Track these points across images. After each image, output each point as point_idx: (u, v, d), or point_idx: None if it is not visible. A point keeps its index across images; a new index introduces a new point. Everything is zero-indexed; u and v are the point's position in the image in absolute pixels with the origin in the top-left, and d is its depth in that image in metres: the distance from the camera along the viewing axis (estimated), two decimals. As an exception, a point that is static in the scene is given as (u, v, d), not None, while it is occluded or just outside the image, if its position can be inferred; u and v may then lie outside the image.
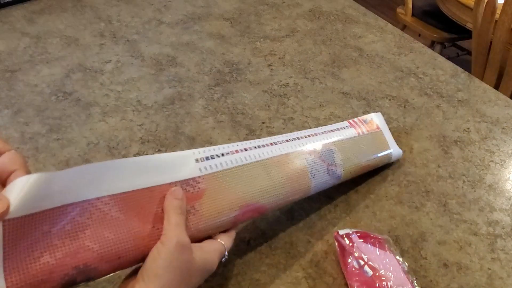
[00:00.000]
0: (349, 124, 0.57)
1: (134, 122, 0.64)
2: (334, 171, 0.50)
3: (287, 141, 0.49)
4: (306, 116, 0.67)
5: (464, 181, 0.58)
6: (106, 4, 0.91)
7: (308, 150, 0.49)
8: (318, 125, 0.65)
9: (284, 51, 0.81)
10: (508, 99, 0.74)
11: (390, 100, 0.71)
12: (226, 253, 0.40)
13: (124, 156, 0.58)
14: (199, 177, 0.40)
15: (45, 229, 0.32)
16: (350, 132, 0.55)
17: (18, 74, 0.71)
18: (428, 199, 0.55)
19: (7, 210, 0.31)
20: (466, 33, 1.80)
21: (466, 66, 0.98)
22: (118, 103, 0.67)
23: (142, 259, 0.35)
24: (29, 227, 0.31)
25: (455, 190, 0.57)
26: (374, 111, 0.68)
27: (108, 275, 0.34)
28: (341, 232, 0.47)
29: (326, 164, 0.49)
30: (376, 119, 0.60)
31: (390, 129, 0.60)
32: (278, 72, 0.76)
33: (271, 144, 0.47)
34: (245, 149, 0.45)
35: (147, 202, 0.37)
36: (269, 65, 0.77)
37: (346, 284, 0.45)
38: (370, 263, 0.44)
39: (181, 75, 0.73)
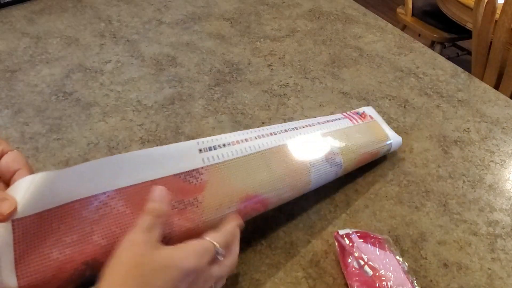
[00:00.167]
0: (343, 116, 0.58)
1: (134, 122, 0.64)
2: (333, 159, 0.50)
3: (285, 131, 0.49)
4: (306, 116, 0.67)
5: (464, 181, 0.58)
6: (106, 4, 0.91)
7: (306, 140, 0.49)
8: (318, 125, 0.65)
9: (284, 51, 0.81)
10: (508, 99, 0.74)
11: (390, 100, 0.71)
12: (220, 249, 0.37)
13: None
14: (202, 168, 0.40)
15: (54, 226, 0.32)
16: (345, 122, 0.56)
17: (18, 74, 0.71)
18: (428, 199, 0.55)
19: (15, 210, 0.31)
20: (466, 33, 1.80)
21: (466, 66, 0.98)
22: (118, 103, 0.67)
23: None
24: (38, 226, 0.32)
25: (455, 190, 0.57)
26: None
27: None
28: (341, 232, 0.47)
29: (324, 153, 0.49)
30: (368, 111, 0.61)
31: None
32: (278, 72, 0.76)
33: (271, 134, 0.48)
34: (246, 140, 0.45)
35: None
36: (269, 65, 0.77)
37: (346, 284, 0.45)
38: (370, 263, 0.44)
39: (181, 75, 0.73)
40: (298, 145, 0.48)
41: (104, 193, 0.35)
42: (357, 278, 0.43)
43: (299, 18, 0.92)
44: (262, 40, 0.84)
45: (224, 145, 0.43)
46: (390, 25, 0.92)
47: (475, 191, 0.57)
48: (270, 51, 0.81)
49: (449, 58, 0.84)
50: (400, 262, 0.45)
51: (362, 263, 0.44)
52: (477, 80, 0.77)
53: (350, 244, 0.45)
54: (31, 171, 0.34)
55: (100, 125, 0.63)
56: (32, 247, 0.32)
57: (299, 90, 0.72)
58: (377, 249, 0.45)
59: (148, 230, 0.33)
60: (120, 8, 0.91)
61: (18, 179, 0.33)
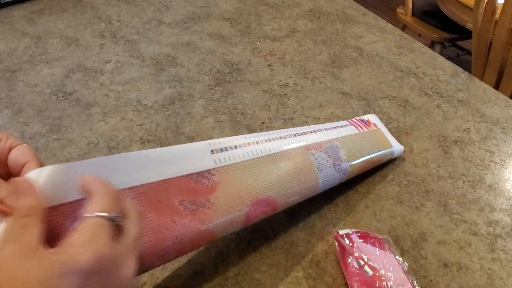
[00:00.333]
0: (348, 123, 0.59)
1: (134, 122, 0.64)
2: (340, 165, 0.50)
3: (294, 135, 0.50)
4: (306, 116, 0.67)
5: (464, 181, 0.58)
6: (106, 4, 0.91)
7: (314, 145, 0.50)
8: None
9: (284, 51, 0.81)
10: (508, 99, 0.74)
11: (390, 100, 0.71)
12: (111, 215, 0.28)
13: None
14: (213, 169, 0.40)
15: (67, 223, 0.31)
16: (351, 129, 0.57)
17: (18, 74, 0.71)
18: (428, 199, 0.55)
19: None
20: (466, 33, 1.80)
21: (466, 66, 0.98)
22: (118, 103, 0.67)
23: (161, 253, 0.35)
24: (51, 220, 0.31)
25: (455, 190, 0.57)
26: (374, 111, 0.68)
27: None
28: (341, 232, 0.47)
29: (332, 159, 0.50)
30: (372, 119, 0.62)
31: (390, 129, 0.61)
32: (278, 72, 0.76)
33: (280, 138, 0.48)
34: (256, 142, 0.45)
35: (164, 195, 0.37)
36: (269, 65, 0.77)
37: (346, 284, 0.45)
38: (370, 263, 0.44)
39: (181, 75, 0.73)
40: (307, 150, 0.48)
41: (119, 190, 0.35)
42: (357, 278, 0.43)
43: (299, 18, 0.92)
44: (262, 40, 0.84)
45: (235, 147, 0.43)
46: (390, 25, 0.92)
47: (475, 191, 0.57)
48: (270, 51, 0.81)
49: (449, 58, 0.84)
50: (400, 262, 0.45)
51: (362, 263, 0.44)
52: (477, 80, 0.77)
53: (350, 244, 0.45)
54: (41, 164, 0.33)
55: (100, 125, 0.63)
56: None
57: (299, 90, 0.72)
58: (377, 249, 0.45)
59: (17, 238, 0.26)
60: (120, 8, 0.91)
61: (27, 172, 0.32)
